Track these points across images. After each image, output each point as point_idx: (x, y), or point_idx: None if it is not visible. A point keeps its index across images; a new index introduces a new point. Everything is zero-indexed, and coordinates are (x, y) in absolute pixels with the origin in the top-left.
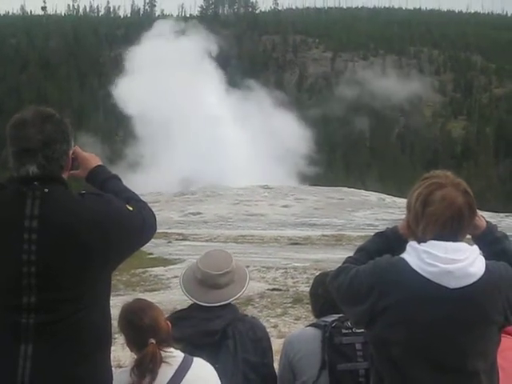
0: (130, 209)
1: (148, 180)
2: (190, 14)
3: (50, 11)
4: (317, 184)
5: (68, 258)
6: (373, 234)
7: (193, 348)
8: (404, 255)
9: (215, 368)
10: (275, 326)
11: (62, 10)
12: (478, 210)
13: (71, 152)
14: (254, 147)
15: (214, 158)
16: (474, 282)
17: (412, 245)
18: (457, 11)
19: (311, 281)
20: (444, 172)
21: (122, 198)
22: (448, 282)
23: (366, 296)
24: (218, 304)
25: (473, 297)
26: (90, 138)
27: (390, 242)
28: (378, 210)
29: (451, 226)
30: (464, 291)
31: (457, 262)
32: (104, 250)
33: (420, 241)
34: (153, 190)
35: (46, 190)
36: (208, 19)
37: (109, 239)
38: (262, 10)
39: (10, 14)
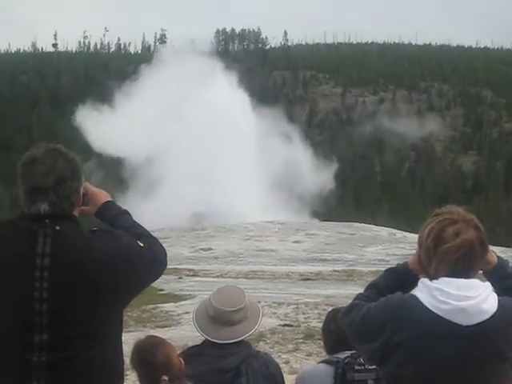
0: (141, 245)
1: (158, 214)
2: (201, 50)
3: (61, 48)
4: (328, 219)
5: (79, 295)
6: (384, 269)
7: None
8: (416, 292)
9: None
10: (287, 362)
11: (73, 46)
12: (489, 245)
13: (82, 189)
14: (265, 181)
15: (224, 193)
16: (487, 319)
17: (424, 282)
18: (467, 46)
19: (323, 316)
20: (455, 208)
21: (133, 233)
22: (461, 319)
23: (378, 333)
24: (232, 341)
25: (486, 334)
26: (99, 173)
27: (400, 278)
28: (388, 245)
29: (463, 263)
30: (477, 328)
31: (469, 299)
32: (115, 287)
33: (432, 277)
34: (163, 225)
35: (58, 228)
36: (219, 55)
37: (120, 276)
38: (272, 45)
39: (22, 51)
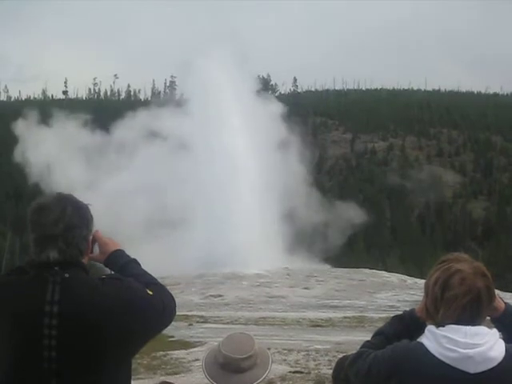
0: (150, 293)
1: (168, 260)
2: None
3: (71, 95)
4: (338, 265)
5: (88, 342)
6: (393, 315)
7: None
8: (423, 340)
9: None
10: None
11: (83, 93)
12: (498, 291)
13: (91, 237)
14: (275, 227)
15: (234, 239)
16: (494, 367)
17: (430, 329)
18: (476, 92)
19: (333, 363)
20: (462, 255)
21: (142, 281)
22: (468, 367)
23: (385, 382)
24: None
25: (493, 381)
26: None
27: (407, 326)
28: (399, 291)
29: (470, 310)
30: (484, 376)
31: (477, 346)
32: (124, 335)
33: (438, 325)
34: (173, 272)
35: (67, 276)
36: None
37: (129, 324)
38: (282, 92)
39: (32, 98)
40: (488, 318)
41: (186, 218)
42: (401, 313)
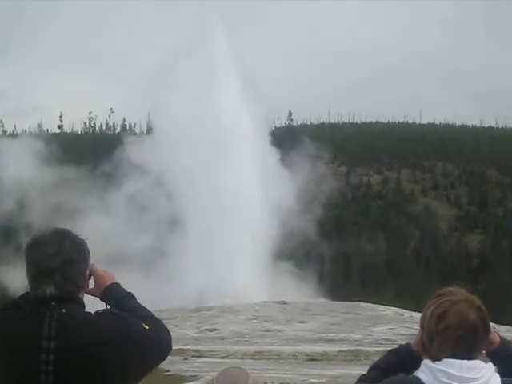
0: (146, 327)
1: (163, 294)
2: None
3: (66, 129)
4: (333, 299)
5: (86, 378)
6: (390, 348)
7: None
8: (419, 374)
9: None
10: None
11: (78, 127)
12: (494, 325)
13: (88, 271)
14: (271, 260)
15: (229, 272)
16: None
17: (426, 363)
18: (471, 125)
19: None
20: (457, 289)
21: (138, 316)
22: None
23: None
24: None
25: None
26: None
27: (403, 360)
28: (395, 324)
29: (465, 344)
30: None
31: (472, 380)
32: (121, 370)
33: (434, 358)
34: (168, 305)
35: (64, 311)
36: None
37: (125, 359)
38: (277, 125)
39: (27, 132)
40: (483, 351)
41: (180, 252)
42: (397, 346)
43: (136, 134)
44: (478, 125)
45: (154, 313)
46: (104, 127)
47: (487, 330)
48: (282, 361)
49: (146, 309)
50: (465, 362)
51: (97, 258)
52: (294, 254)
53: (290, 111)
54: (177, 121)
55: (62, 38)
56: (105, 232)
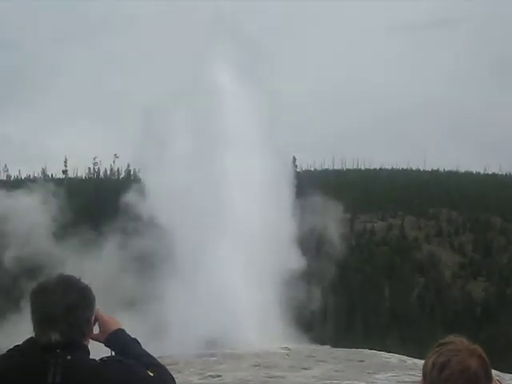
0: (151, 374)
1: (167, 340)
2: None
3: (70, 174)
4: (337, 346)
5: None
6: None
7: None
8: None
9: None
10: None
11: (82, 173)
12: (498, 373)
13: (93, 318)
14: (274, 307)
15: (233, 319)
16: None
17: None
18: (475, 172)
19: None
20: (458, 338)
21: (143, 362)
22: None
23: None
24: None
25: None
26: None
27: None
28: (399, 371)
29: None
30: None
31: None
32: None
33: None
34: (172, 352)
35: (69, 358)
36: None
37: None
38: None
39: (32, 177)
40: None
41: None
42: None
43: (140, 179)
44: (482, 172)
45: (157, 359)
46: (108, 172)
47: (489, 378)
48: None
49: (150, 355)
50: None
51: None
52: (297, 300)
53: (293, 157)
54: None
55: (66, 84)
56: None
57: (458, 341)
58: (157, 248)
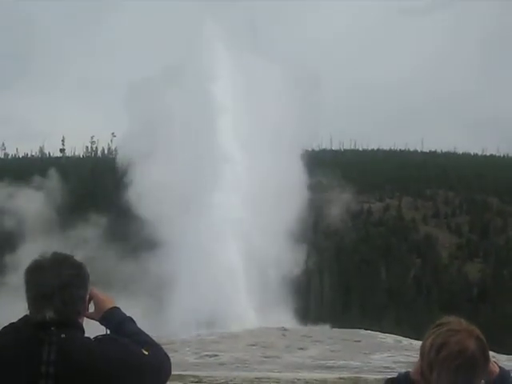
0: (146, 353)
1: (162, 321)
2: None
3: (68, 153)
4: (333, 326)
5: None
6: (390, 376)
7: None
8: None
9: None
10: None
11: (80, 152)
12: (494, 354)
13: (88, 296)
14: (269, 288)
15: (228, 298)
16: None
17: None
18: (472, 154)
19: None
20: (457, 318)
21: (138, 341)
22: None
23: None
24: None
25: None
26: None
27: None
28: (394, 352)
29: (465, 373)
30: None
31: None
32: None
33: None
34: (168, 331)
35: (63, 336)
36: None
37: None
38: None
39: (29, 155)
40: (483, 381)
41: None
42: (395, 375)
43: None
44: (480, 153)
45: (153, 337)
46: (106, 151)
47: (487, 359)
48: None
49: (145, 334)
50: None
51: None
52: (294, 282)
53: None
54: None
55: (66, 63)
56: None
57: (457, 321)
58: (154, 232)
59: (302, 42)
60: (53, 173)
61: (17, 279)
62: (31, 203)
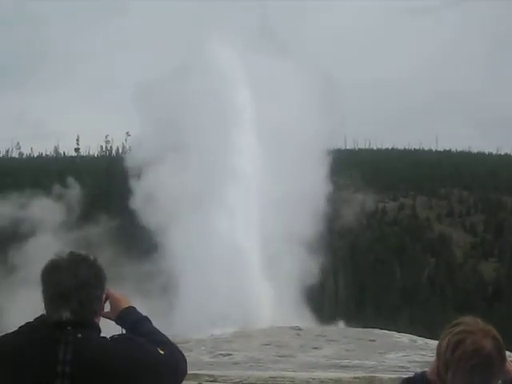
0: (162, 352)
1: (177, 320)
2: None
3: (83, 152)
4: (348, 325)
5: None
6: (405, 376)
7: None
8: None
9: None
10: None
11: (95, 151)
12: (510, 353)
13: (104, 296)
14: (284, 287)
15: (243, 298)
16: None
17: None
18: (487, 153)
19: None
20: (473, 318)
21: (153, 340)
22: None
23: None
24: None
25: None
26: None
27: None
28: (409, 351)
29: (481, 373)
30: None
31: None
32: None
33: None
34: (183, 330)
35: (80, 336)
36: None
37: None
38: None
39: (44, 155)
40: (499, 381)
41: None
42: (412, 375)
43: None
44: (495, 152)
45: (168, 337)
46: (120, 151)
47: (503, 359)
48: None
49: (161, 333)
50: None
51: None
52: (309, 280)
53: None
54: None
55: (80, 62)
56: None
57: (473, 321)
58: (166, 228)
59: (315, 41)
60: (72, 181)
61: (25, 274)
62: (48, 211)
